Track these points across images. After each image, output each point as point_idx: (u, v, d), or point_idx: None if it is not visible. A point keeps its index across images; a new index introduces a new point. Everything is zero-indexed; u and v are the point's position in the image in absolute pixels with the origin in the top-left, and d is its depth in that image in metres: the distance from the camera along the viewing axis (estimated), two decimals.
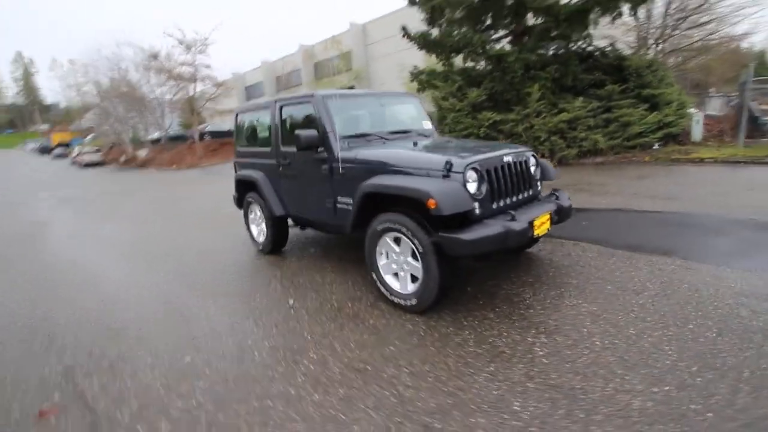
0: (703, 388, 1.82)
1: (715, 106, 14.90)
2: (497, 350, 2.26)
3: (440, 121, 12.24)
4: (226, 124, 29.06)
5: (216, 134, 23.51)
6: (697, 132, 11.24)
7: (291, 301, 3.17)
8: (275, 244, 4.35)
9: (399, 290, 2.83)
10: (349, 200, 3.22)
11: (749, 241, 3.60)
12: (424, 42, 12.67)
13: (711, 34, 14.88)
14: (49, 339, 2.84)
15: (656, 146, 10.77)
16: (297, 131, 3.30)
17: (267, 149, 4.08)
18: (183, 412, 1.97)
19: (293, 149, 3.69)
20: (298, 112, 3.72)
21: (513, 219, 2.58)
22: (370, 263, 2.99)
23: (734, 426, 1.61)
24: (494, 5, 12.41)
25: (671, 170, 7.89)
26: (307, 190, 3.67)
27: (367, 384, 2.06)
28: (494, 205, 2.74)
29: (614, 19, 10.92)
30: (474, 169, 2.61)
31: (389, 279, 2.92)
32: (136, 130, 27.46)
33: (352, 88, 30.10)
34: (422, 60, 24.84)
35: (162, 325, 2.93)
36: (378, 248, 2.92)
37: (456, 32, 11.88)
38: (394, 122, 3.88)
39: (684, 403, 1.74)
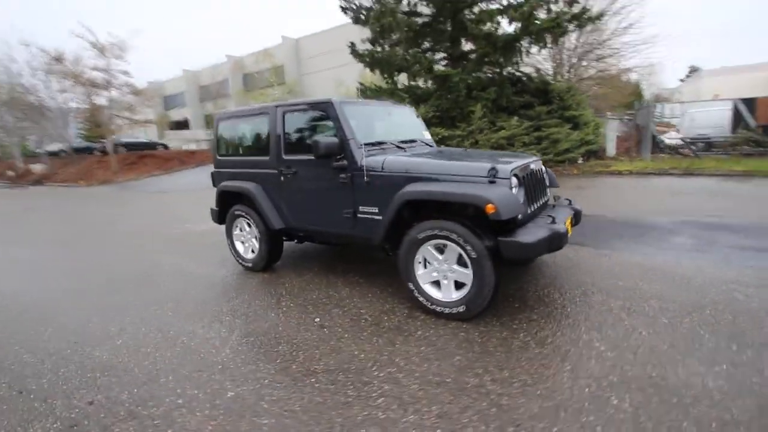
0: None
1: (613, 126, 17.34)
2: (562, 349, 2.31)
3: None
4: (144, 135, 26.45)
5: (133, 146, 21.17)
6: (611, 148, 12.99)
7: (317, 320, 2.92)
8: (270, 261, 4.00)
9: (442, 299, 2.77)
10: (374, 209, 3.10)
11: (701, 237, 4.23)
12: (372, 59, 12.90)
13: (610, 66, 17.44)
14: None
15: (580, 161, 12.22)
16: (316, 138, 3.12)
17: (264, 158, 3.77)
18: None
19: (301, 157, 3.50)
20: (307, 119, 3.51)
21: (554, 222, 2.70)
22: (406, 273, 2.89)
23: None
24: (435, 30, 13.20)
25: (602, 181, 8.97)
26: (318, 201, 3.45)
27: (456, 397, 1.96)
28: (529, 210, 2.85)
29: (540, 48, 12.28)
30: (515, 175, 2.69)
31: (428, 288, 2.84)
32: (26, 142, 23.63)
33: None
34: (357, 77, 25.29)
35: (184, 367, 2.46)
36: (416, 257, 2.84)
37: (404, 52, 12.34)
38: (401, 131, 3.85)
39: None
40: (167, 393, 2.13)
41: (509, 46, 11.68)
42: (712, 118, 14.10)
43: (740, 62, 33.01)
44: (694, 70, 39.96)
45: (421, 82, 14.00)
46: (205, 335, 2.77)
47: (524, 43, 11.66)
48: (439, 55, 13.62)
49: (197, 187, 13.62)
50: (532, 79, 13.44)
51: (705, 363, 2.10)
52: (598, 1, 14.54)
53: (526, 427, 1.74)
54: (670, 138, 13.29)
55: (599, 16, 12.00)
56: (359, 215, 3.21)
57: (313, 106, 3.42)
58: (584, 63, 16.62)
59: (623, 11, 15.66)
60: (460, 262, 2.67)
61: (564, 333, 2.48)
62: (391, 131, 3.75)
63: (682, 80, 40.38)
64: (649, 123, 11.90)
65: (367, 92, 13.99)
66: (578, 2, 11.79)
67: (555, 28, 10.92)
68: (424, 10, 13.39)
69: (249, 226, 4.06)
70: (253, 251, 4.10)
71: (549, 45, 12.24)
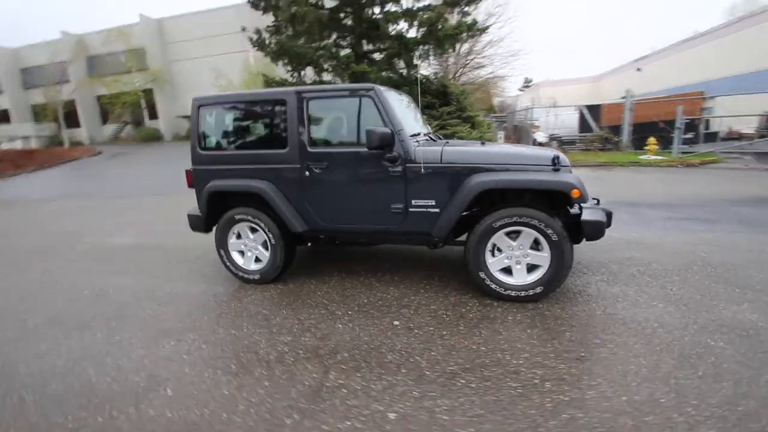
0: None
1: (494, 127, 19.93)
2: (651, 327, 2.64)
3: None
4: None
5: None
6: None
7: (396, 323, 2.72)
8: (284, 269, 3.51)
9: (515, 283, 2.89)
10: (430, 202, 3.03)
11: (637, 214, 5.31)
12: (280, 50, 12.09)
13: (481, 74, 20.02)
14: None
15: None
16: (370, 128, 2.88)
17: (278, 151, 3.27)
18: None
19: (334, 150, 3.19)
20: (340, 107, 3.19)
21: (598, 203, 3.08)
22: (476, 263, 2.91)
23: None
24: (341, 25, 13.11)
25: None
26: (359, 197, 3.17)
27: (609, 370, 2.10)
28: None
29: (441, 54, 13.33)
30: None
31: (499, 275, 2.93)
32: None
33: (150, 90, 25.34)
34: (241, 67, 23.39)
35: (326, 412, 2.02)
36: (488, 246, 2.89)
37: (317, 44, 11.92)
38: (416, 123, 3.80)
39: None
40: None
41: (417, 49, 12.37)
42: (565, 121, 17.48)
43: (563, 76, 41.47)
44: (528, 82, 48.61)
45: (327, 76, 13.77)
46: (295, 367, 2.31)
47: (429, 47, 12.51)
48: (343, 52, 13.59)
49: (59, 194, 10.86)
50: (432, 82, 14.54)
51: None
52: (476, 15, 16.49)
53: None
54: (540, 137, 15.95)
55: (486, 28, 13.59)
56: (411, 209, 3.08)
57: (350, 93, 3.13)
58: (465, 70, 18.77)
59: (494, 27, 18.19)
60: (534, 246, 2.83)
61: (629, 311, 2.88)
62: (412, 122, 3.68)
63: (521, 89, 48.63)
64: (526, 124, 14.08)
65: (273, 85, 13.10)
66: (469, 14, 13.12)
67: (458, 36, 12.01)
68: (328, 2, 13.16)
69: (253, 231, 3.48)
70: (258, 260, 3.53)
71: (448, 51, 13.38)
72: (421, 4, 12.71)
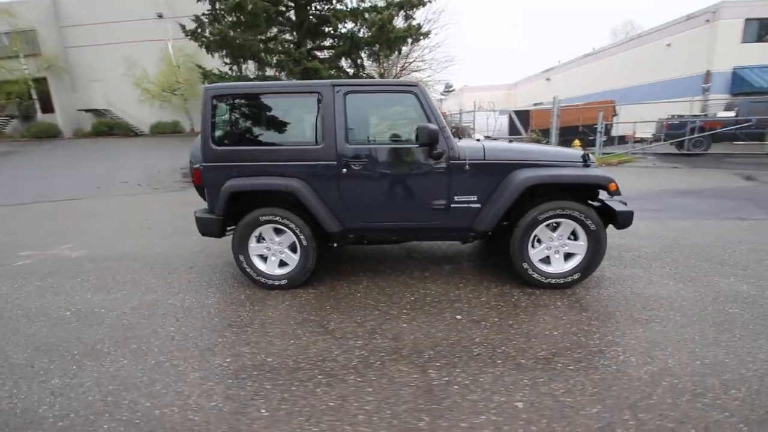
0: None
1: None
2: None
3: None
4: None
5: None
6: None
7: (458, 317, 2.74)
8: (312, 272, 3.31)
9: (555, 271, 3.09)
10: (472, 198, 3.11)
11: None
12: (222, 41, 11.23)
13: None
14: None
15: None
16: (421, 124, 2.87)
17: (311, 147, 3.07)
18: None
19: (375, 146, 3.11)
20: (380, 103, 3.10)
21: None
22: (520, 255, 3.06)
23: None
24: (284, 18, 12.63)
25: None
26: (400, 194, 3.12)
27: (670, 341, 2.37)
28: None
29: (389, 55, 13.53)
30: None
31: (540, 265, 3.11)
32: None
33: (43, 79, 21.68)
34: (156, 58, 21.24)
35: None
36: (531, 238, 3.05)
37: (263, 37, 11.29)
38: None
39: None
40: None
41: (366, 49, 12.42)
42: (495, 123, 18.89)
43: (481, 83, 44.65)
44: (449, 87, 51.53)
45: (270, 71, 13.17)
46: (388, 370, 2.20)
47: (378, 48, 12.64)
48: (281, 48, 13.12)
49: None
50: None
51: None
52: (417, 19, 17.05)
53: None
54: (477, 137, 17.03)
55: (428, 33, 14.13)
56: (453, 205, 3.13)
57: (393, 88, 3.08)
58: (404, 72, 19.30)
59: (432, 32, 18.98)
60: (572, 236, 3.07)
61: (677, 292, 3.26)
62: None
63: (443, 94, 51.31)
64: (464, 125, 14.96)
65: (212, 78, 12.13)
66: (413, 17, 13.52)
67: (407, 38, 12.31)
68: None
69: (278, 233, 3.23)
70: (283, 264, 3.28)
71: (395, 53, 13.64)
72: (366, 5, 12.78)
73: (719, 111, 13.76)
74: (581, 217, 2.97)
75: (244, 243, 3.22)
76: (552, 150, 3.29)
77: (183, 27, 12.43)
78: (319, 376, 2.14)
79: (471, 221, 3.15)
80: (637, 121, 13.82)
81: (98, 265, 4.11)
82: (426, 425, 1.77)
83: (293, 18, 12.69)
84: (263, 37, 12.29)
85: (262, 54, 12.53)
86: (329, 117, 3.04)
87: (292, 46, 11.85)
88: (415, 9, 12.93)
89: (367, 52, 12.54)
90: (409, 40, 12.49)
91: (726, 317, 2.62)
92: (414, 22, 13.00)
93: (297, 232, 3.15)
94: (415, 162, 3.06)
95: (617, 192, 2.98)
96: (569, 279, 3.08)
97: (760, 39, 17.00)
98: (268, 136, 3.20)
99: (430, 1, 12.81)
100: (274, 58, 11.84)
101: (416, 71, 19.46)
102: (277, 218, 3.15)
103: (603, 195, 3.27)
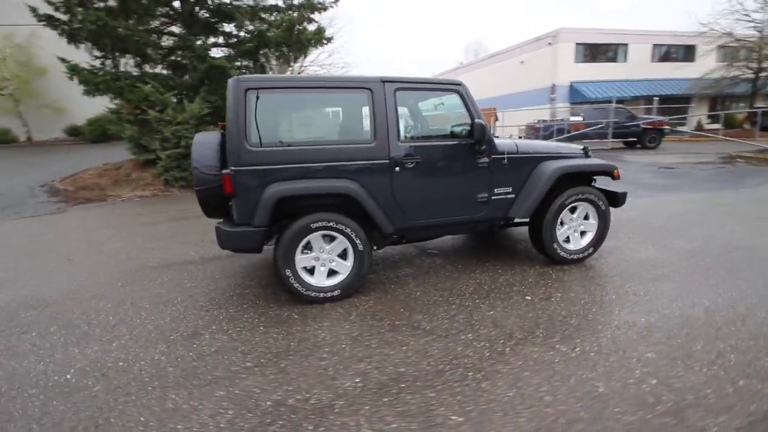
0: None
1: None
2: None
3: (143, 133, 9.70)
4: None
5: None
6: None
7: (528, 297, 2.96)
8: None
9: (575, 248, 3.57)
10: (508, 189, 3.39)
11: None
12: (98, 30, 9.28)
13: None
14: None
15: None
16: (477, 121, 3.01)
17: (363, 146, 2.91)
18: None
19: (427, 143, 3.15)
20: (427, 99, 3.09)
21: None
22: (551, 237, 3.44)
23: None
24: (172, 10, 11.17)
25: None
26: (450, 190, 3.19)
27: (713, 290, 3.00)
28: None
29: (297, 57, 13.09)
30: None
31: (564, 244, 3.54)
32: None
33: None
34: None
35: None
36: (558, 220, 3.46)
37: (146, 27, 9.70)
38: None
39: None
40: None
41: (276, 49, 11.81)
42: None
43: None
44: None
45: (159, 68, 11.47)
46: (526, 352, 2.25)
47: (287, 49, 12.13)
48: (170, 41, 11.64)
49: None
50: None
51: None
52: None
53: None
54: None
55: (331, 37, 14.17)
56: (493, 197, 3.35)
57: (439, 86, 3.13)
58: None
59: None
60: (585, 218, 3.58)
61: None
62: None
63: None
64: None
65: (83, 75, 9.97)
66: (316, 21, 13.40)
67: (317, 41, 12.11)
68: None
69: (329, 241, 2.97)
70: (331, 274, 3.03)
71: (302, 55, 13.27)
72: (266, 3, 12.17)
73: (569, 116, 17.17)
74: (595, 200, 3.51)
75: (290, 255, 2.87)
76: (562, 145, 3.80)
77: (34, 10, 9.86)
78: (470, 373, 2.11)
79: (507, 211, 3.42)
80: (512, 125, 16.24)
81: (45, 314, 3.10)
82: (604, 386, 1.93)
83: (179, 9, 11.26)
84: (145, 28, 10.61)
85: (149, 49, 10.81)
86: (381, 114, 2.93)
87: (197, 41, 10.47)
88: (317, 12, 12.81)
89: (276, 52, 11.90)
90: (320, 45, 12.30)
91: (745, 263, 3.44)
92: (316, 26, 12.87)
93: (353, 236, 2.95)
94: (464, 157, 3.18)
95: (618, 177, 3.61)
96: (586, 253, 3.60)
97: (586, 60, 21.85)
98: (314, 134, 2.93)
99: (332, 6, 12.88)
100: (182, 55, 10.29)
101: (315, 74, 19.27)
102: (331, 224, 2.89)
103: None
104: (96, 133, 16.62)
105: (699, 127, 19.37)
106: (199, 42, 10.40)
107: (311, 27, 12.06)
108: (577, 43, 21.40)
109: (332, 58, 20.32)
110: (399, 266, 3.77)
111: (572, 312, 2.72)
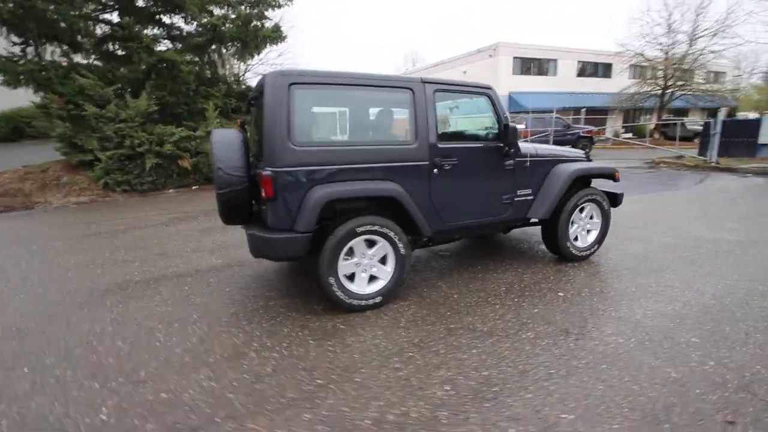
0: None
1: None
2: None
3: (77, 131, 8.60)
4: None
5: None
6: None
7: (560, 294, 3.09)
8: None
9: (583, 246, 3.80)
10: (528, 191, 3.54)
11: None
12: (23, 14, 8.01)
13: None
14: None
15: None
16: (512, 124, 3.08)
17: (405, 147, 2.84)
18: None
19: (463, 144, 3.16)
20: (459, 102, 3.10)
21: None
22: (566, 236, 3.64)
23: None
24: None
25: None
26: (481, 191, 3.23)
27: (733, 268, 3.35)
28: None
29: (253, 54, 12.43)
30: None
31: (574, 242, 3.76)
32: None
33: None
34: None
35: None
36: (570, 220, 3.67)
37: (78, 12, 8.59)
38: None
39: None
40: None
41: (230, 44, 11.14)
42: None
43: None
44: None
45: (91, 59, 10.24)
46: (596, 334, 2.33)
47: (240, 44, 11.50)
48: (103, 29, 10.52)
49: None
50: (239, 83, 13.32)
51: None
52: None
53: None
54: None
55: (286, 36, 13.74)
56: (516, 199, 3.47)
57: (473, 88, 3.15)
58: (249, 75, 17.91)
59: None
60: (590, 216, 3.85)
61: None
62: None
63: None
64: None
65: (1, 61, 8.56)
66: (270, 19, 12.95)
67: (275, 39, 11.63)
68: None
69: (371, 245, 2.85)
70: (372, 280, 2.91)
71: (257, 52, 12.66)
72: None
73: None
74: (600, 200, 3.78)
75: (334, 262, 2.70)
76: (568, 149, 4.03)
77: None
78: (552, 371, 2.14)
79: (526, 212, 3.56)
80: None
81: (29, 344, 2.59)
82: (674, 371, 2.08)
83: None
84: (78, 13, 9.41)
85: (79, 36, 9.59)
86: (422, 115, 2.89)
87: (144, 30, 9.42)
88: (271, 9, 12.33)
89: (231, 48, 11.19)
90: (278, 42, 11.81)
91: (692, 257, 3.87)
92: (273, 23, 12.38)
93: (396, 240, 2.86)
94: (495, 160, 3.25)
95: (618, 179, 3.92)
96: (592, 250, 3.86)
97: (522, 72, 23.59)
98: (358, 133, 2.79)
99: (286, 5, 12.48)
100: (101, 43, 9.17)
101: (262, 74, 18.37)
102: (376, 227, 2.78)
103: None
104: (4, 131, 14.28)
105: (617, 136, 21.84)
106: (146, 32, 9.43)
107: (268, 24, 11.56)
108: (514, 57, 23.06)
109: (282, 57, 19.55)
110: (420, 270, 3.73)
111: (608, 305, 2.90)
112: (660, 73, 20.61)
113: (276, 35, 11.38)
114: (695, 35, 19.47)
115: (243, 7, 11.19)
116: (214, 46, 11.21)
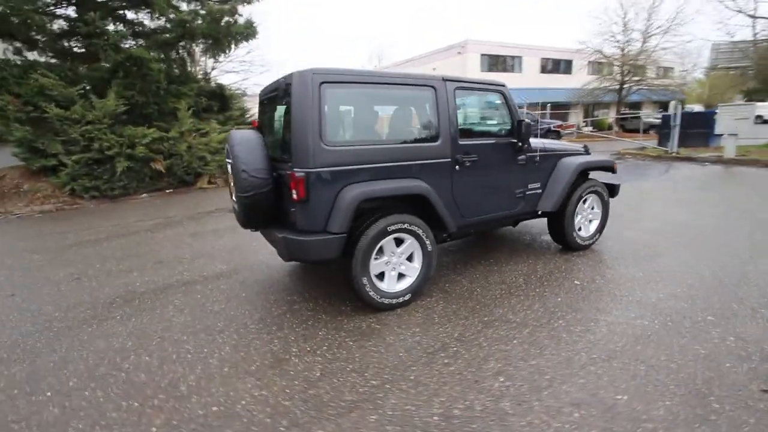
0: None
1: None
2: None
3: (39, 135, 8.04)
4: None
5: None
6: None
7: (576, 282, 3.23)
8: None
9: (586, 235, 3.97)
10: (537, 185, 3.66)
11: None
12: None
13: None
14: None
15: None
16: (526, 120, 3.19)
17: (430, 144, 2.86)
18: None
19: (480, 141, 3.23)
20: (476, 99, 3.16)
21: None
22: (572, 226, 3.79)
23: None
24: None
25: None
26: (497, 187, 3.31)
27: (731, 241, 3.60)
28: None
29: (224, 51, 11.97)
30: None
31: (579, 232, 3.93)
32: None
33: None
34: None
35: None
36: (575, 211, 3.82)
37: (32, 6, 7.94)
38: None
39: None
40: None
41: (201, 41, 10.69)
42: None
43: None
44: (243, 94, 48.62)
45: (41, 56, 9.53)
46: (627, 324, 2.45)
47: (212, 41, 11.07)
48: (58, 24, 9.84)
49: None
50: (208, 81, 12.81)
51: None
52: None
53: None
54: None
55: (257, 32, 13.36)
56: (528, 192, 3.58)
57: (488, 86, 3.21)
58: (217, 73, 17.23)
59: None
60: (592, 206, 4.03)
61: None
62: None
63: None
64: None
65: None
66: (241, 15, 12.57)
67: (248, 35, 11.27)
68: None
69: (399, 243, 2.85)
70: (400, 278, 2.92)
71: (229, 49, 12.23)
72: None
73: None
74: (601, 191, 3.97)
75: (367, 261, 2.68)
76: (569, 143, 4.19)
77: None
78: (594, 355, 2.24)
79: (535, 204, 3.68)
80: None
81: (39, 366, 2.39)
82: (702, 348, 2.24)
83: None
84: (33, 7, 8.71)
85: (34, 32, 8.87)
86: (444, 112, 2.92)
87: (111, 26, 8.80)
88: (243, 4, 11.94)
89: (202, 45, 10.72)
90: (250, 38, 11.44)
91: (682, 241, 4.13)
92: (245, 19, 12.00)
93: (424, 237, 2.88)
94: (510, 155, 3.34)
95: (616, 170, 4.13)
96: (594, 239, 4.05)
97: (490, 69, 24.18)
98: (387, 132, 2.77)
99: (257, 0, 12.13)
100: (57, 39, 8.50)
101: (231, 72, 17.72)
102: (406, 225, 2.78)
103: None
104: None
105: (578, 128, 22.92)
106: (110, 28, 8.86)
107: (240, 20, 11.17)
108: (482, 54, 23.60)
109: (251, 55, 18.95)
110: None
111: (623, 291, 3.06)
112: (617, 69, 21.79)
113: (249, 31, 11.04)
114: (648, 33, 20.74)
115: (212, 3, 10.79)
116: (183, 43, 10.74)
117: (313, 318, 2.82)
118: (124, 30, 9.52)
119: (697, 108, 25.11)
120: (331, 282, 3.45)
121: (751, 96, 24.06)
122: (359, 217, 2.67)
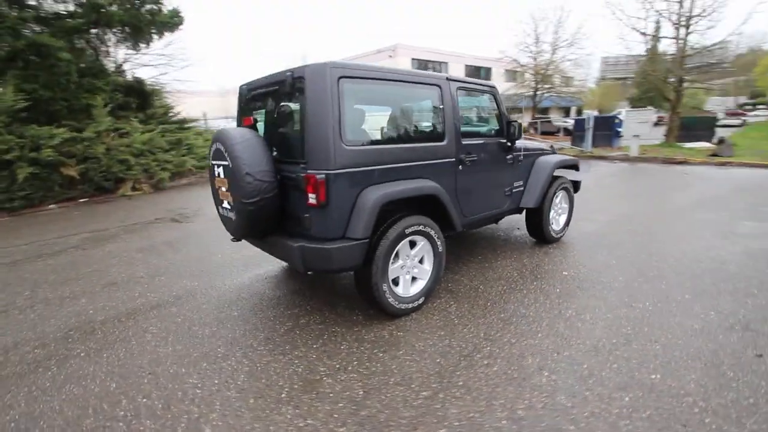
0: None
1: None
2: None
3: None
4: None
5: None
6: None
7: (564, 273, 3.43)
8: None
9: (558, 229, 4.26)
10: (520, 183, 3.84)
11: None
12: None
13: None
14: None
15: None
16: (516, 121, 3.30)
17: (437, 144, 2.81)
18: None
19: (478, 141, 3.30)
20: (472, 99, 3.17)
21: None
22: (548, 221, 4.03)
23: None
24: None
25: None
26: (490, 185, 3.38)
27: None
28: None
29: (146, 41, 10.69)
30: None
31: (553, 226, 4.20)
32: None
33: None
34: None
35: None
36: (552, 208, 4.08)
37: None
38: None
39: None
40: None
41: (117, 29, 9.45)
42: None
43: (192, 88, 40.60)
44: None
45: None
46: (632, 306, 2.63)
47: (130, 30, 9.86)
48: None
49: None
50: (122, 74, 11.33)
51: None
52: None
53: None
54: None
55: (182, 23, 12.26)
56: (513, 190, 3.73)
57: (482, 86, 3.26)
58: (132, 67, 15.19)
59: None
60: (561, 202, 4.33)
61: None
62: None
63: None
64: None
65: None
66: (163, 4, 11.46)
67: (173, 26, 10.24)
68: None
69: (413, 246, 2.77)
70: (413, 281, 2.84)
71: (155, 39, 10.97)
72: None
73: None
74: (569, 188, 4.29)
75: (386, 267, 2.56)
76: (541, 143, 4.44)
77: None
78: (614, 339, 2.39)
79: (519, 201, 3.85)
80: None
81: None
82: (704, 321, 2.52)
83: None
84: None
85: None
86: (449, 112, 2.90)
87: (7, 8, 7.17)
88: None
89: (119, 33, 9.40)
90: (175, 29, 10.36)
91: (636, 230, 4.64)
92: (171, 8, 10.88)
93: (435, 239, 2.83)
94: (501, 154, 3.44)
95: (579, 169, 4.49)
96: (563, 232, 4.36)
97: None
98: (401, 132, 2.66)
99: None
100: None
101: (147, 65, 15.62)
102: (420, 227, 2.71)
103: None
104: None
105: None
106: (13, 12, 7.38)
107: (165, 8, 10.06)
108: (412, 58, 24.34)
109: (171, 47, 17.11)
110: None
111: (609, 278, 3.32)
112: (530, 77, 23.99)
113: (175, 21, 10.02)
114: (556, 45, 23.14)
115: None
116: (96, 31, 9.36)
117: (327, 331, 2.61)
118: (28, 13, 7.97)
119: (594, 113, 28.68)
120: (328, 290, 3.25)
121: (635, 104, 28.21)
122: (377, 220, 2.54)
